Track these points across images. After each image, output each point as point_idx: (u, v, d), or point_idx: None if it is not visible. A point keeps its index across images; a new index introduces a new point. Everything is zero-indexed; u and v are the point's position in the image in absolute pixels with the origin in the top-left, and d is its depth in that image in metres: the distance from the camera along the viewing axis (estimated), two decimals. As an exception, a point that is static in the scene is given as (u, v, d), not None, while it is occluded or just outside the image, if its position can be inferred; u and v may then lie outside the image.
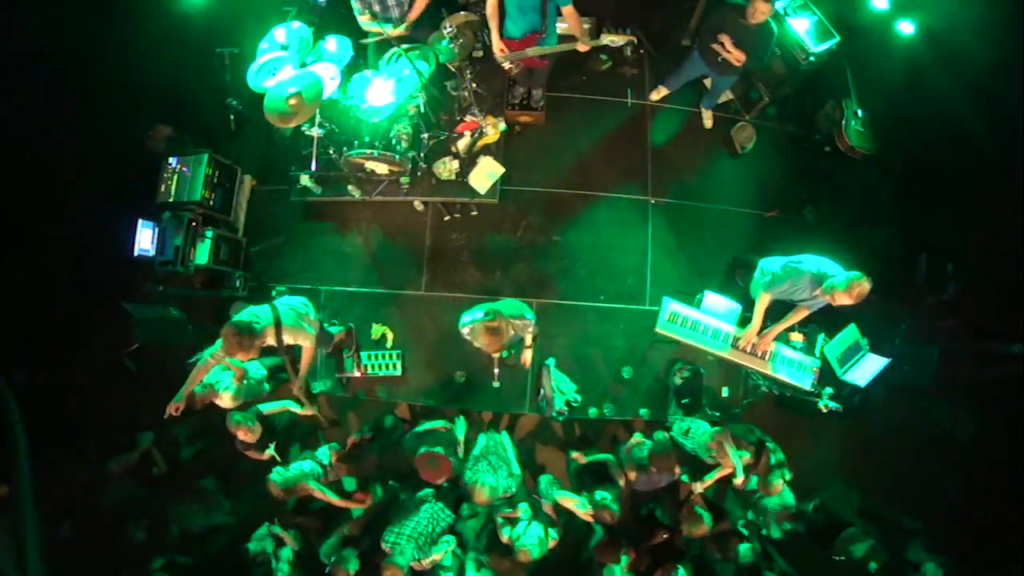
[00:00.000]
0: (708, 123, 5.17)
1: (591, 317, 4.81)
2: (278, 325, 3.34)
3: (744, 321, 3.99)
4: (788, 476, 3.78)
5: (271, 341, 3.37)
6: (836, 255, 3.45)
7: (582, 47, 3.84)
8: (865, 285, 3.15)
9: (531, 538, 3.46)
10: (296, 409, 3.99)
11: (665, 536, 3.99)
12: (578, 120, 5.17)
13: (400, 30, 4.14)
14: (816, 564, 4.12)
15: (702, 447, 3.87)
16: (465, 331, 3.22)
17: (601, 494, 3.64)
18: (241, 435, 3.69)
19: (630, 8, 5.24)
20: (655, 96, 5.14)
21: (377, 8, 4.08)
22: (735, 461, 3.66)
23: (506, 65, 4.14)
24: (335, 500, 3.83)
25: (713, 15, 4.16)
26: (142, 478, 4.51)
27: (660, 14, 5.36)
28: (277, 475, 3.59)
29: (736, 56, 4.09)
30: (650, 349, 4.74)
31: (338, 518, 4.24)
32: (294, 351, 3.60)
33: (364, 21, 4.13)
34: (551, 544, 3.56)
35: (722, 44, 4.09)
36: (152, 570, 4.08)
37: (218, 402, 3.81)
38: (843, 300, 3.20)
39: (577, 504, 3.61)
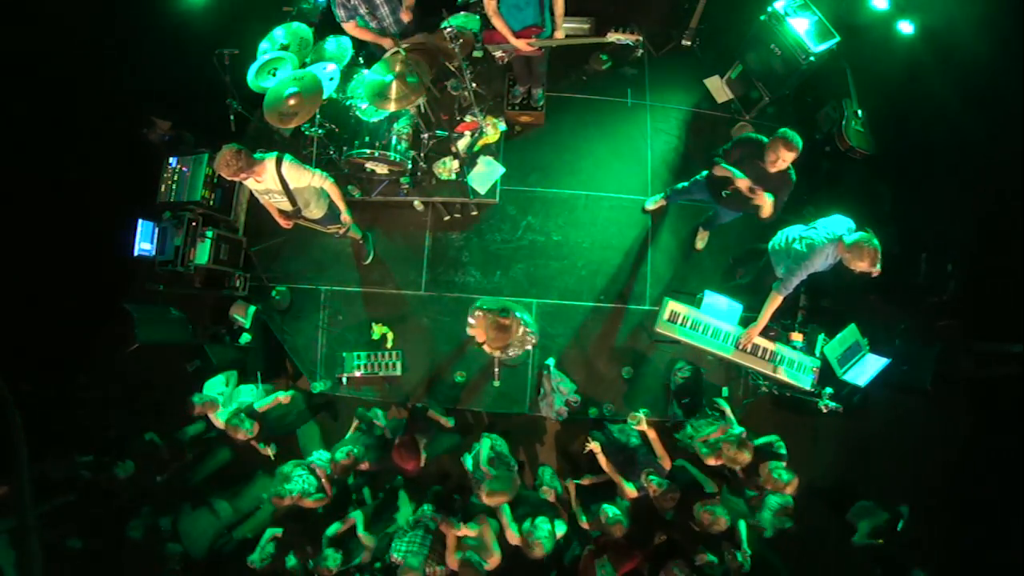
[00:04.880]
0: (700, 244, 4.87)
1: (591, 317, 4.81)
2: (279, 161, 3.38)
3: (745, 321, 3.98)
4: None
5: (271, 178, 3.40)
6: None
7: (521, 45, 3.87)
8: (872, 248, 3.10)
9: (541, 531, 3.42)
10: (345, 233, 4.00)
11: (664, 538, 3.97)
12: (578, 120, 5.18)
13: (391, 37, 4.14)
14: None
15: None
16: (473, 318, 3.17)
17: (613, 510, 3.50)
18: (241, 437, 3.82)
19: (630, 8, 5.25)
20: (651, 207, 4.85)
21: (364, 11, 4.03)
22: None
23: (497, 54, 4.15)
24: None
25: (734, 147, 3.63)
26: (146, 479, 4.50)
27: (660, 14, 5.36)
28: (283, 489, 3.61)
29: (759, 198, 3.50)
30: (650, 349, 4.74)
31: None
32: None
33: (350, 28, 4.08)
34: (559, 535, 3.52)
35: (735, 186, 3.55)
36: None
37: (212, 418, 4.06)
38: (861, 268, 3.15)
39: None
